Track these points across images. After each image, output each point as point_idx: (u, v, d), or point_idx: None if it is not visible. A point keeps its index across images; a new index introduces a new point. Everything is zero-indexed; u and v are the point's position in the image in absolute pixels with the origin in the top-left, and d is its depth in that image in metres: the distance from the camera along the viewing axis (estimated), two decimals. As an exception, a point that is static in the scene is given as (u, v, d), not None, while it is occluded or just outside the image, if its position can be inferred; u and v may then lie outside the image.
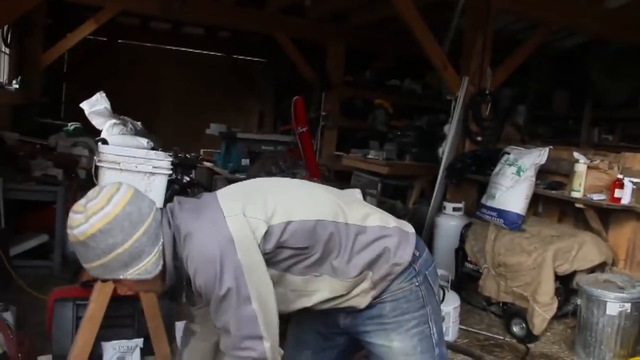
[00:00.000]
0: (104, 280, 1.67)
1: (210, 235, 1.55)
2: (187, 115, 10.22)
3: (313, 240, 1.64)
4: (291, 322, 2.02)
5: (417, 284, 1.76)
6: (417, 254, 1.78)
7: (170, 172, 2.43)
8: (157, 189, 2.31)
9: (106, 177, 2.24)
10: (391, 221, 1.80)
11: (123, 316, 2.29)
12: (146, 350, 2.08)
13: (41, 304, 3.63)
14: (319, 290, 1.71)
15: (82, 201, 1.60)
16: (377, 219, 1.77)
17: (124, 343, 2.23)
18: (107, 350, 2.20)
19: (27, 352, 2.86)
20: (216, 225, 1.56)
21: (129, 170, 2.25)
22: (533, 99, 8.09)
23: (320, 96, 7.74)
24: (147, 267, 1.58)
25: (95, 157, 2.32)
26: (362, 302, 1.74)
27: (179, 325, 2.15)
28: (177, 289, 1.70)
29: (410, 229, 1.83)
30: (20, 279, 4.09)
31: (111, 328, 2.25)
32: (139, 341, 2.25)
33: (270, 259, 1.62)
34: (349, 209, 1.74)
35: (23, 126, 6.16)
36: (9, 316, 3.18)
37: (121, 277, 1.58)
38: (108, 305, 2.17)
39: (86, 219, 1.54)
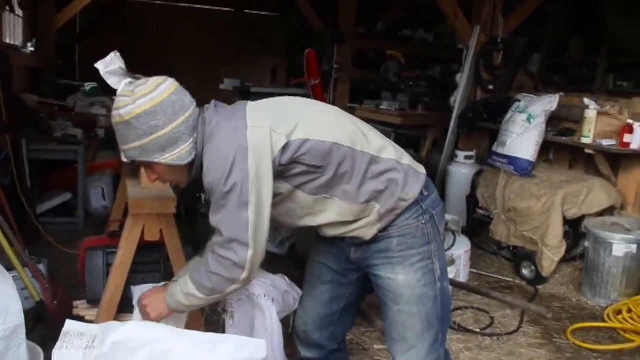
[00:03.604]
0: (139, 164, 1.83)
1: (229, 139, 1.69)
2: (201, 71, 10.18)
3: (326, 161, 1.76)
4: (309, 261, 2.16)
5: (423, 221, 1.87)
6: (426, 193, 1.88)
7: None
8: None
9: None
10: (405, 158, 1.90)
11: (150, 262, 2.42)
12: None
13: (69, 257, 3.84)
14: (326, 211, 1.83)
15: (129, 87, 1.74)
16: (392, 152, 1.87)
17: (151, 287, 2.36)
18: (136, 294, 2.30)
19: (61, 299, 3.05)
20: (236, 132, 1.69)
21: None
22: (547, 46, 7.97)
23: (332, 49, 7.72)
24: (181, 154, 1.73)
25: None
26: (368, 233, 1.86)
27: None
28: (197, 186, 1.83)
29: (421, 169, 1.93)
30: (48, 235, 4.28)
31: (139, 273, 2.39)
32: (165, 285, 2.37)
33: (284, 172, 1.75)
34: (368, 138, 1.85)
35: (40, 88, 6.26)
36: (42, 268, 3.37)
37: (156, 160, 1.73)
38: (136, 252, 2.31)
39: (133, 100, 1.69)
